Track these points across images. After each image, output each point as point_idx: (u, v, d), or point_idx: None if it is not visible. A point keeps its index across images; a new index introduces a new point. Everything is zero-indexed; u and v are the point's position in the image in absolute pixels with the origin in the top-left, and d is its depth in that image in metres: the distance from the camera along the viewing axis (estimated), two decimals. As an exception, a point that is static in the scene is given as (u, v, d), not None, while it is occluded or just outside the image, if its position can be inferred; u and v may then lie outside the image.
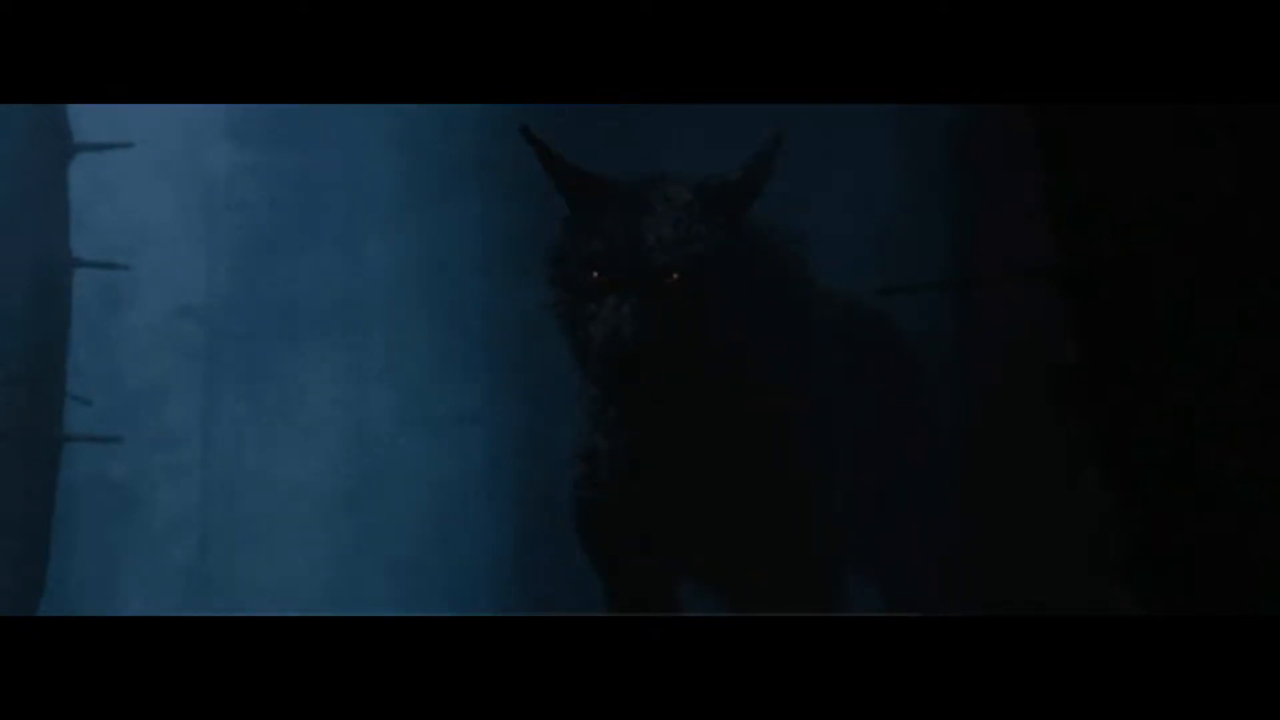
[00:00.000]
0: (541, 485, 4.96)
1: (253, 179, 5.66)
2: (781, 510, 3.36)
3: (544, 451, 4.97)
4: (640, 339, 3.12)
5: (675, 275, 3.18)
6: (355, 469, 5.57)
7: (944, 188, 4.23)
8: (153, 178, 5.59)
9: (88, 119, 4.52)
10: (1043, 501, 3.81)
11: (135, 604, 5.56)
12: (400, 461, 5.53)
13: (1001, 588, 3.87)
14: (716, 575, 3.47)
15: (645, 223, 3.21)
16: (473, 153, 5.29)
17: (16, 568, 4.31)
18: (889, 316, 3.87)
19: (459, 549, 5.38)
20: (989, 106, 3.33)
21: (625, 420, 3.32)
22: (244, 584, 5.57)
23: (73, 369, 4.48)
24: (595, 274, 3.20)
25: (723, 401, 3.28)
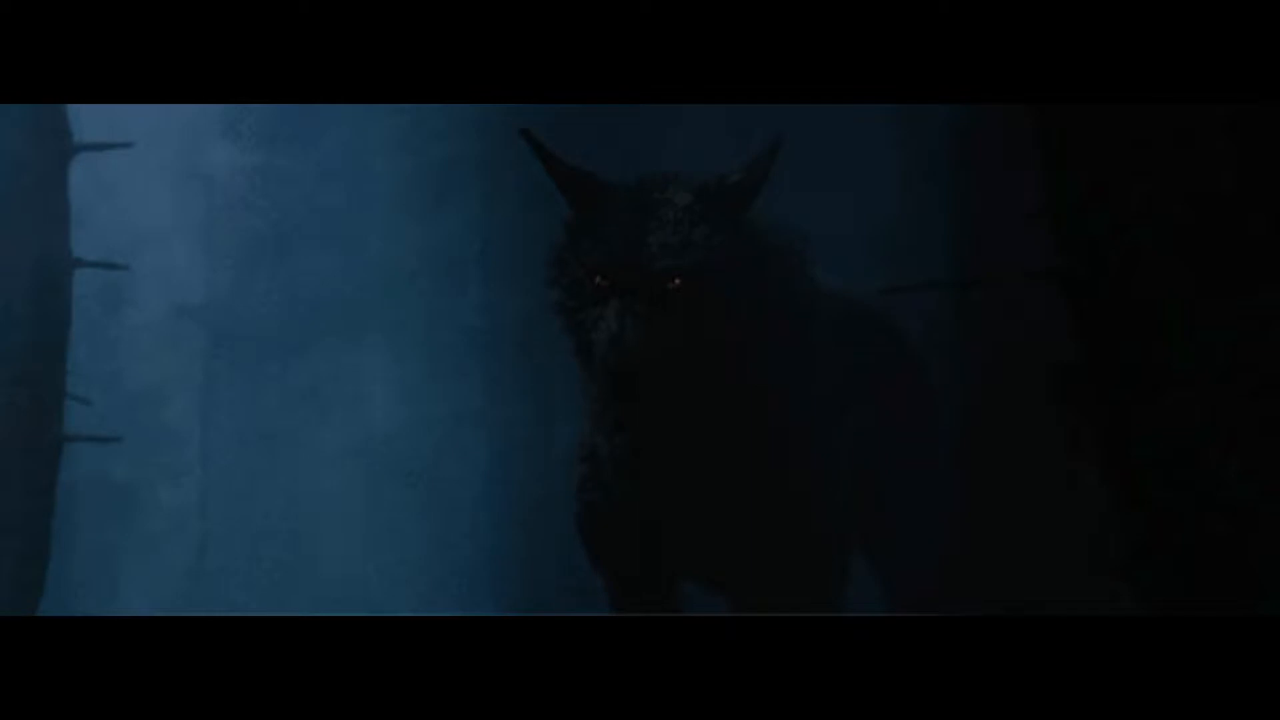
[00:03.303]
0: (541, 485, 4.96)
1: (253, 179, 5.66)
2: (782, 511, 3.36)
3: (544, 451, 4.97)
4: (643, 348, 3.13)
5: (677, 280, 3.19)
6: (355, 469, 5.57)
7: (944, 188, 4.23)
8: (153, 178, 5.58)
9: (88, 119, 4.51)
10: (1043, 501, 3.80)
11: (135, 604, 5.55)
12: (400, 461, 5.53)
13: (1001, 588, 3.86)
14: (719, 576, 3.47)
15: (646, 226, 3.21)
16: (473, 153, 5.29)
17: (16, 568, 4.31)
18: (891, 316, 3.87)
19: (459, 549, 5.38)
20: (989, 106, 3.33)
21: (626, 422, 3.33)
22: (244, 584, 5.57)
23: (73, 369, 4.48)
24: (598, 279, 3.20)
25: (725, 402, 3.28)
